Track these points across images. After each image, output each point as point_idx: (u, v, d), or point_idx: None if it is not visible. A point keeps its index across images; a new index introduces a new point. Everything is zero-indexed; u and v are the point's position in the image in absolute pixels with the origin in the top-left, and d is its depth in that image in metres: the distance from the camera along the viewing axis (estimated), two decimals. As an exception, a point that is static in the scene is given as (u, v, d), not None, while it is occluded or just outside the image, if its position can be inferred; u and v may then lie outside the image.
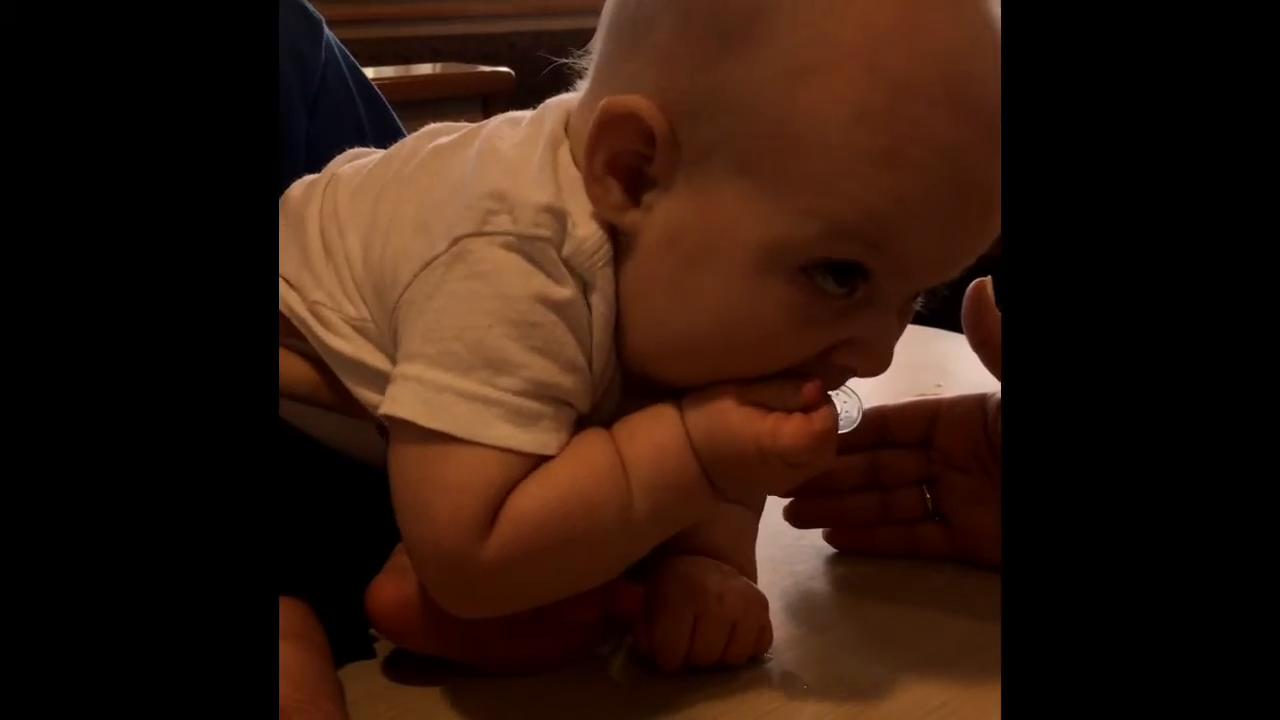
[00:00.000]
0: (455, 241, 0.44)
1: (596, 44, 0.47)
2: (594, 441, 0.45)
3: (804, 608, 0.57)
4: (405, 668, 0.51)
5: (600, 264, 0.45)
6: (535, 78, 0.54)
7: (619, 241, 0.45)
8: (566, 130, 0.47)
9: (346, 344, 0.48)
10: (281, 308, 0.50)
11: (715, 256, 0.43)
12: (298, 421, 0.51)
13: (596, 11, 0.47)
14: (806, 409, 0.44)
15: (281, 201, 0.54)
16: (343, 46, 0.87)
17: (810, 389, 0.44)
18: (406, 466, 0.45)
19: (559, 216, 0.44)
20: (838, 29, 0.40)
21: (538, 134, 0.47)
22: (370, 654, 0.52)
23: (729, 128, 0.42)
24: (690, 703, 0.49)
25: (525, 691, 0.50)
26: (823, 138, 0.40)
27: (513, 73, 2.24)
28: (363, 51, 0.89)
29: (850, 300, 0.43)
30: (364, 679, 0.50)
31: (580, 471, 0.44)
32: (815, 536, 0.62)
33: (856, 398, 0.51)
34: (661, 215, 0.44)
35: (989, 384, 0.57)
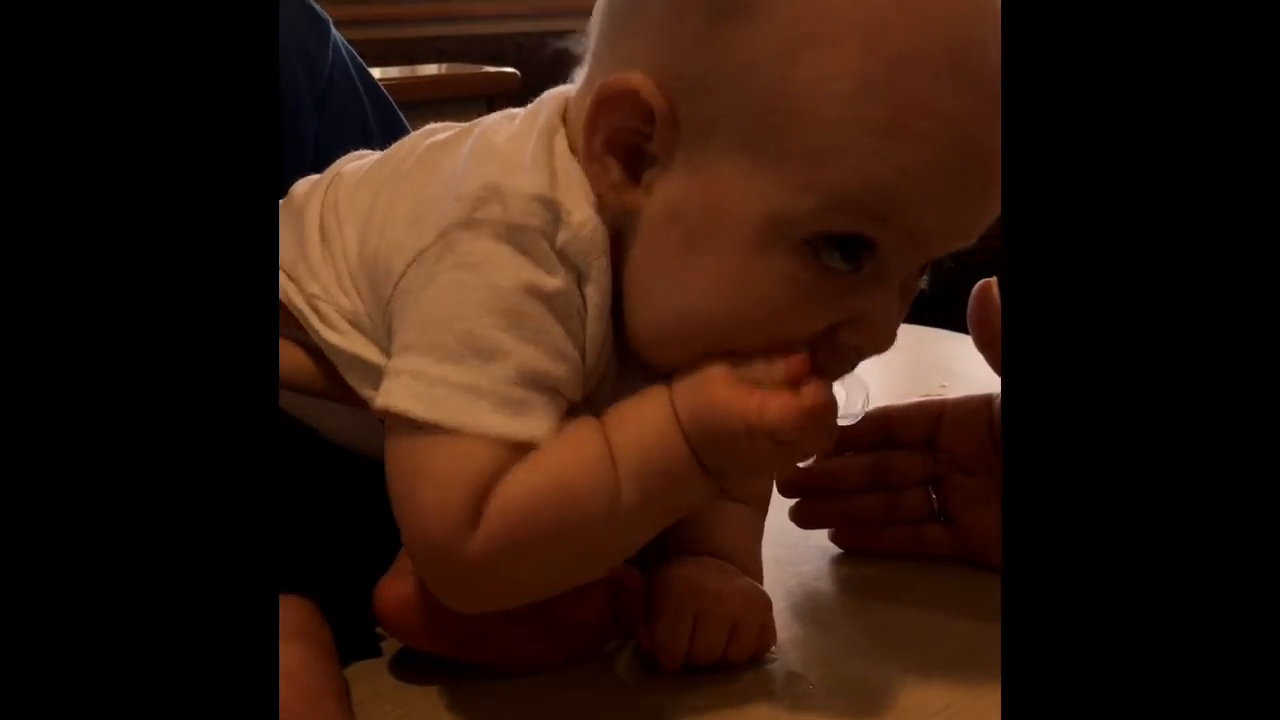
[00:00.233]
0: (445, 233, 0.44)
1: (593, 27, 0.47)
2: (582, 429, 0.45)
3: (809, 608, 0.57)
4: (412, 667, 0.51)
5: (596, 253, 0.44)
6: (540, 78, 0.54)
7: (618, 227, 0.45)
8: (564, 119, 0.47)
9: (342, 338, 0.49)
10: (281, 298, 0.50)
11: (717, 233, 0.43)
12: (302, 414, 0.52)
13: (601, 11, 0.47)
14: (794, 383, 0.43)
15: (285, 199, 0.55)
16: (350, 47, 0.87)
17: (794, 360, 0.43)
18: (400, 459, 0.45)
19: (551, 206, 0.44)
20: (835, 1, 0.40)
21: (532, 125, 0.47)
22: (377, 653, 0.52)
23: (728, 103, 0.41)
24: (694, 704, 0.49)
25: (531, 692, 0.50)
26: (822, 111, 0.40)
27: (518, 73, 2.24)
28: (368, 52, 0.90)
29: (856, 276, 0.43)
30: (370, 678, 0.50)
31: (567, 458, 0.44)
32: (820, 537, 0.62)
33: (864, 388, 0.50)
34: (661, 194, 0.44)
35: (994, 384, 0.57)
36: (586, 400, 0.47)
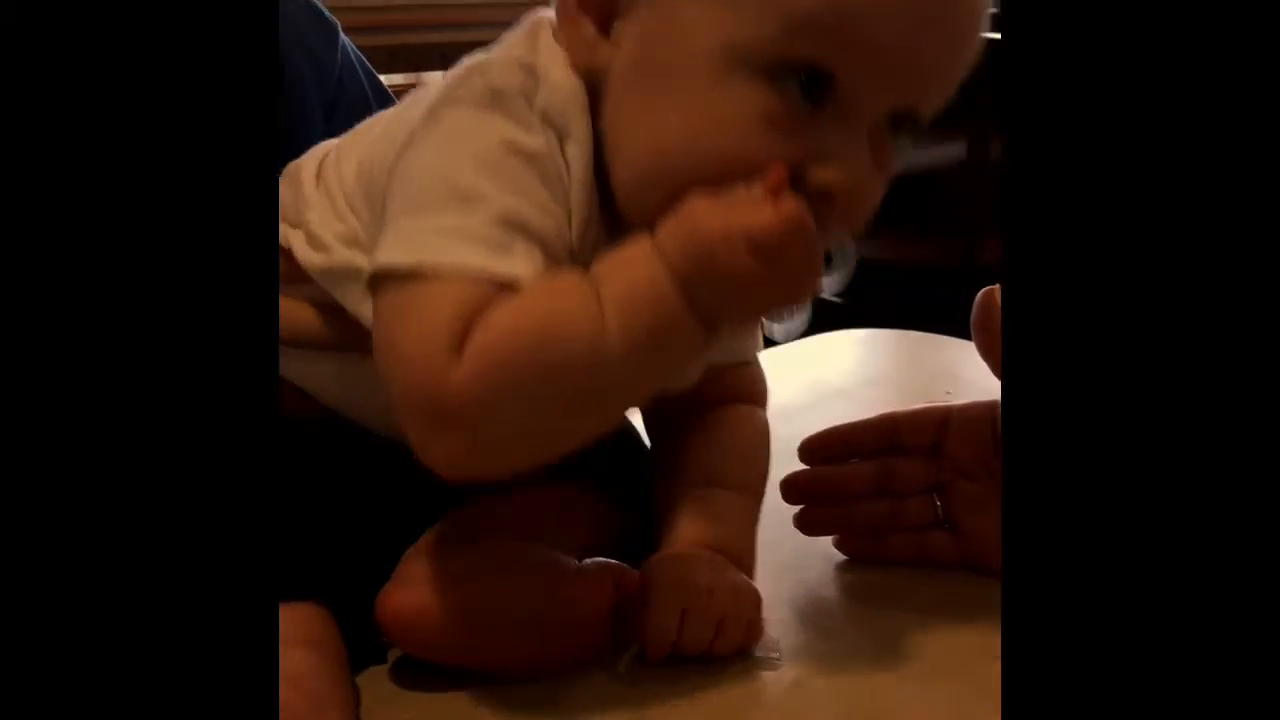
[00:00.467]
0: (432, 110, 0.47)
1: None
2: (565, 273, 0.45)
3: (812, 614, 0.57)
4: (418, 674, 0.51)
5: (575, 111, 0.46)
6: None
7: (596, 90, 0.47)
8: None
9: (330, 256, 0.50)
10: (282, 244, 0.51)
11: (681, 68, 0.44)
12: (312, 386, 0.52)
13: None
14: (773, 193, 0.43)
15: (283, 174, 0.56)
16: (358, 51, 0.88)
17: (772, 171, 0.43)
18: (384, 313, 0.45)
19: (529, 69, 0.46)
20: None
21: (517, 31, 0.50)
22: (383, 659, 0.52)
23: None
24: (695, 712, 0.49)
25: (537, 697, 0.50)
26: None
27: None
28: (373, 58, 0.90)
29: (820, 111, 0.43)
30: (377, 684, 0.50)
31: (550, 293, 0.44)
32: (825, 543, 0.62)
33: (849, 250, 0.49)
34: (629, 43, 0.46)
35: (999, 391, 0.57)
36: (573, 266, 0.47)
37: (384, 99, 0.88)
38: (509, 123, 0.45)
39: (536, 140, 0.45)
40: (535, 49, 0.48)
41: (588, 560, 0.52)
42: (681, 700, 0.50)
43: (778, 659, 0.52)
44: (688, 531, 0.55)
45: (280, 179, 0.55)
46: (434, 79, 0.50)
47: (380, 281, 0.45)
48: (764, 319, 0.47)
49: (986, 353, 0.56)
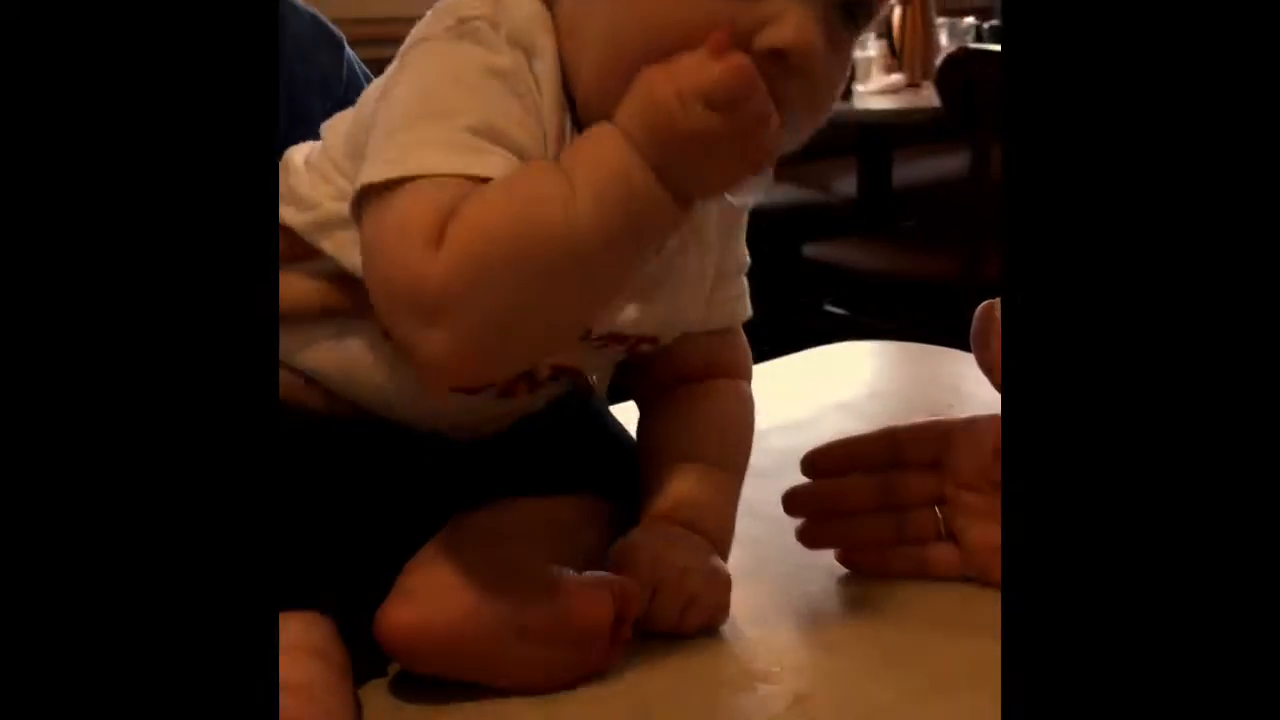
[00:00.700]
0: (404, 53, 0.49)
1: None
2: (535, 160, 0.47)
3: (815, 629, 0.57)
4: (420, 688, 0.51)
5: (539, 29, 0.48)
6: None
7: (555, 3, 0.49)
8: None
9: (325, 208, 0.51)
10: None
11: None
12: (312, 366, 0.53)
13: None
14: (717, 52, 0.44)
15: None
16: (364, 66, 0.88)
17: (715, 34, 0.44)
18: (366, 228, 0.47)
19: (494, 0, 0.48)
20: None
21: None
22: (383, 672, 0.52)
23: None
24: (702, 722, 0.49)
25: (539, 710, 0.50)
26: None
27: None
28: (379, 72, 0.91)
29: None
30: (377, 698, 0.50)
31: (518, 178, 0.45)
32: (827, 556, 0.62)
33: (802, 122, 0.50)
34: None
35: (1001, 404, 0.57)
36: None
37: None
38: (478, 48, 0.48)
39: (505, 60, 0.47)
40: None
41: (588, 573, 0.52)
42: (684, 716, 0.49)
43: (778, 673, 0.52)
44: (665, 506, 0.56)
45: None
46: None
47: (363, 203, 0.46)
48: (731, 184, 0.47)
49: (987, 369, 0.56)
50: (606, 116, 0.46)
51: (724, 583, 0.55)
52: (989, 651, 0.53)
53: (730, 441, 0.61)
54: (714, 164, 0.45)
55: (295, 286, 0.52)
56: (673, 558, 0.53)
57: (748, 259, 0.62)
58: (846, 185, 2.90)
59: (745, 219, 0.60)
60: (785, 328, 1.97)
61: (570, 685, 0.51)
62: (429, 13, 0.50)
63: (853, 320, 2.34)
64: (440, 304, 0.44)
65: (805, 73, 0.46)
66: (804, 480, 0.62)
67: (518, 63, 0.48)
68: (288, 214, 0.53)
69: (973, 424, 0.60)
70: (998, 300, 0.55)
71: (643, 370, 0.61)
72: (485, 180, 0.45)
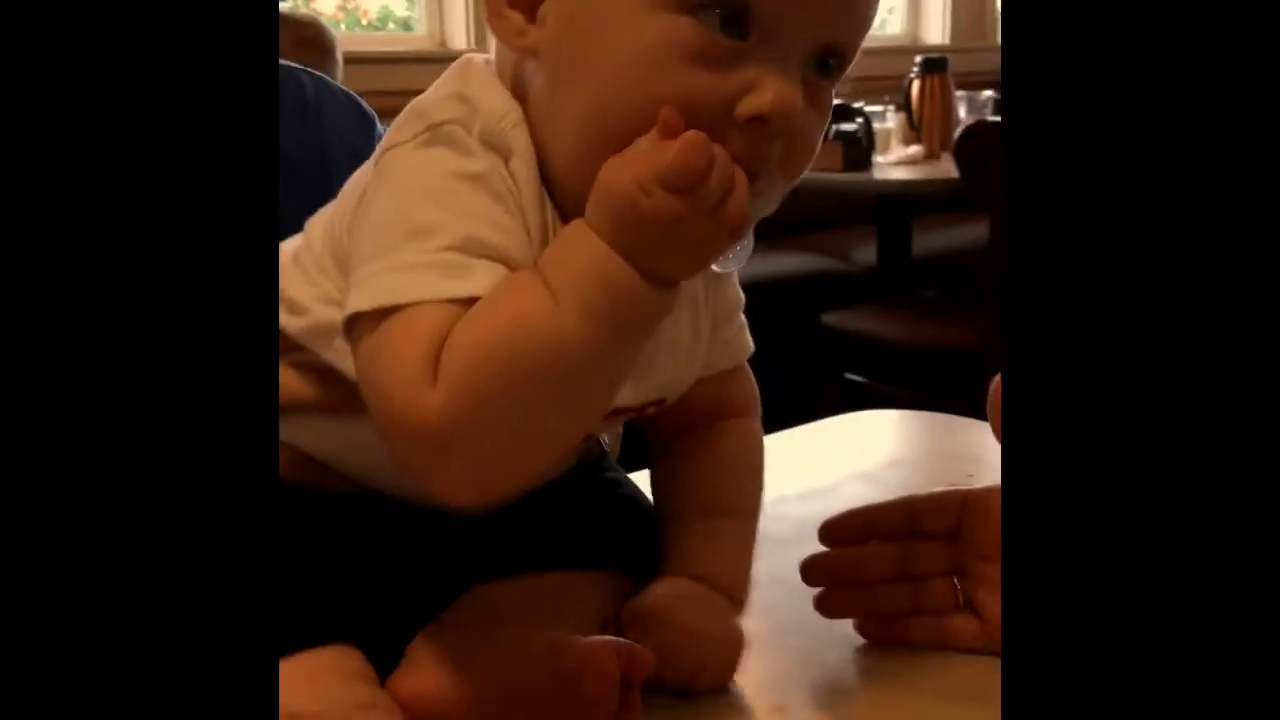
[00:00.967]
0: (377, 160, 0.49)
1: None
2: (514, 274, 0.46)
3: (833, 699, 0.57)
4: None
5: (511, 126, 0.48)
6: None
7: (525, 87, 0.49)
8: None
9: (310, 319, 0.51)
10: None
11: (604, 25, 0.46)
12: (334, 458, 0.53)
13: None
14: (669, 134, 0.43)
15: None
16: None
17: (664, 112, 0.43)
18: (361, 362, 0.46)
19: (463, 99, 0.48)
20: None
21: (448, 73, 0.51)
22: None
23: None
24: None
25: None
26: None
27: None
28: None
29: (744, 43, 0.45)
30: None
31: (500, 295, 0.45)
32: (846, 626, 0.62)
33: (779, 183, 0.49)
34: (554, 18, 0.47)
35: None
36: None
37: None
38: (451, 153, 0.47)
39: (480, 163, 0.47)
40: (468, 80, 0.49)
41: (593, 636, 0.52)
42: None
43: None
44: (680, 563, 0.56)
45: None
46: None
47: (353, 329, 0.46)
48: (710, 260, 0.46)
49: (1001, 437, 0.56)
50: (582, 195, 0.45)
51: (735, 643, 0.55)
52: (1008, 724, 0.53)
53: (743, 485, 0.61)
54: (685, 243, 0.44)
55: (287, 383, 0.52)
56: (684, 619, 0.53)
57: (742, 296, 0.61)
58: (866, 254, 2.91)
59: None
60: (805, 396, 1.98)
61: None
62: (402, 114, 0.50)
63: (872, 389, 2.34)
64: (446, 441, 0.43)
65: (787, 134, 0.47)
66: (822, 549, 0.62)
67: (493, 164, 0.47)
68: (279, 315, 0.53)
69: (991, 494, 0.60)
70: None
71: (651, 419, 0.61)
72: (474, 299, 0.44)
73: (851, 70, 0.50)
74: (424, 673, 0.49)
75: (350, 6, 3.20)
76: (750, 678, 0.56)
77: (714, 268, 0.47)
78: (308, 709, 0.45)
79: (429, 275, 0.44)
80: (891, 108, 2.83)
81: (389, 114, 0.91)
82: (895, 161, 2.62)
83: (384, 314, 0.44)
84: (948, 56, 2.73)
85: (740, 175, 0.44)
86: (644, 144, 0.44)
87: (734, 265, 0.49)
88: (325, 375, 0.52)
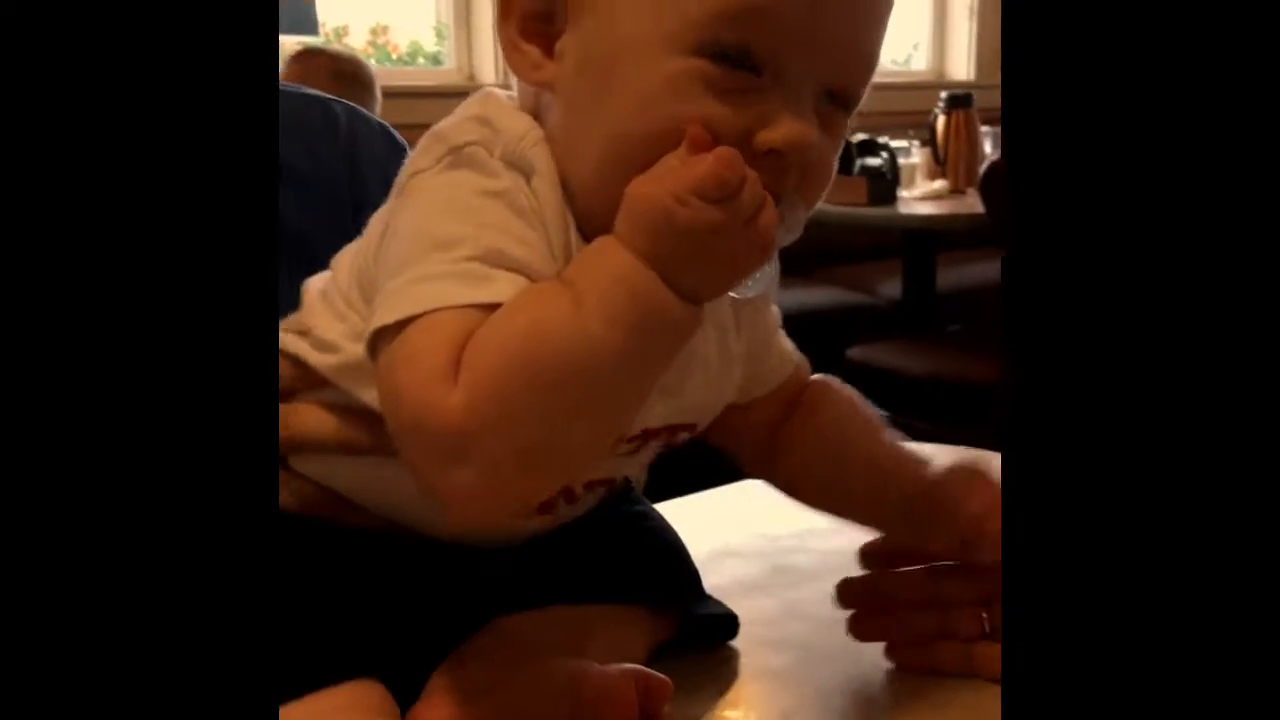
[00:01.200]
0: (402, 187, 0.49)
1: None
2: (540, 282, 0.46)
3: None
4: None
5: (532, 145, 0.48)
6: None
7: (543, 116, 0.50)
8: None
9: (340, 356, 0.51)
10: (293, 354, 0.53)
11: (621, 57, 0.47)
12: (362, 497, 0.53)
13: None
14: (698, 149, 0.45)
15: None
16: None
17: (691, 130, 0.45)
18: (381, 368, 0.46)
19: (484, 121, 0.49)
20: None
21: (467, 101, 0.52)
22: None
23: None
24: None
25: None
26: None
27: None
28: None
29: (759, 81, 0.46)
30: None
31: (526, 300, 0.44)
32: (871, 659, 0.62)
33: (798, 204, 0.50)
34: (572, 54, 0.49)
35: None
36: None
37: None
38: (473, 174, 0.47)
39: (503, 182, 0.47)
40: (487, 106, 0.50)
41: (613, 665, 0.52)
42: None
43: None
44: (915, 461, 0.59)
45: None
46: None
47: (376, 347, 0.46)
48: (740, 277, 0.47)
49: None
50: (608, 225, 0.46)
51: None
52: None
53: (866, 413, 0.64)
54: (717, 258, 0.45)
55: (313, 420, 0.52)
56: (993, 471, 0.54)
57: (779, 312, 0.62)
58: (891, 289, 2.91)
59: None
60: (829, 429, 1.97)
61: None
62: (423, 140, 0.50)
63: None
64: (462, 441, 0.42)
65: (802, 165, 0.48)
66: (849, 575, 0.62)
67: (516, 183, 0.47)
68: (305, 351, 0.53)
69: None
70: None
71: (738, 435, 0.62)
72: (495, 306, 0.44)
73: (877, 105, 0.51)
74: (444, 705, 0.49)
75: (380, 41, 3.25)
76: (775, 710, 0.56)
77: (734, 294, 0.48)
78: None
79: (450, 284, 0.45)
80: (917, 143, 2.84)
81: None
82: (920, 196, 2.63)
83: (406, 324, 0.44)
84: (973, 92, 2.74)
85: (767, 195, 0.45)
86: (673, 160, 0.45)
87: (757, 290, 0.49)
88: (355, 415, 0.52)
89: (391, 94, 2.41)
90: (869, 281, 3.03)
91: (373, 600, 0.52)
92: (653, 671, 0.52)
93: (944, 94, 2.73)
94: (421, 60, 3.27)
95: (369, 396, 0.49)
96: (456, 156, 0.48)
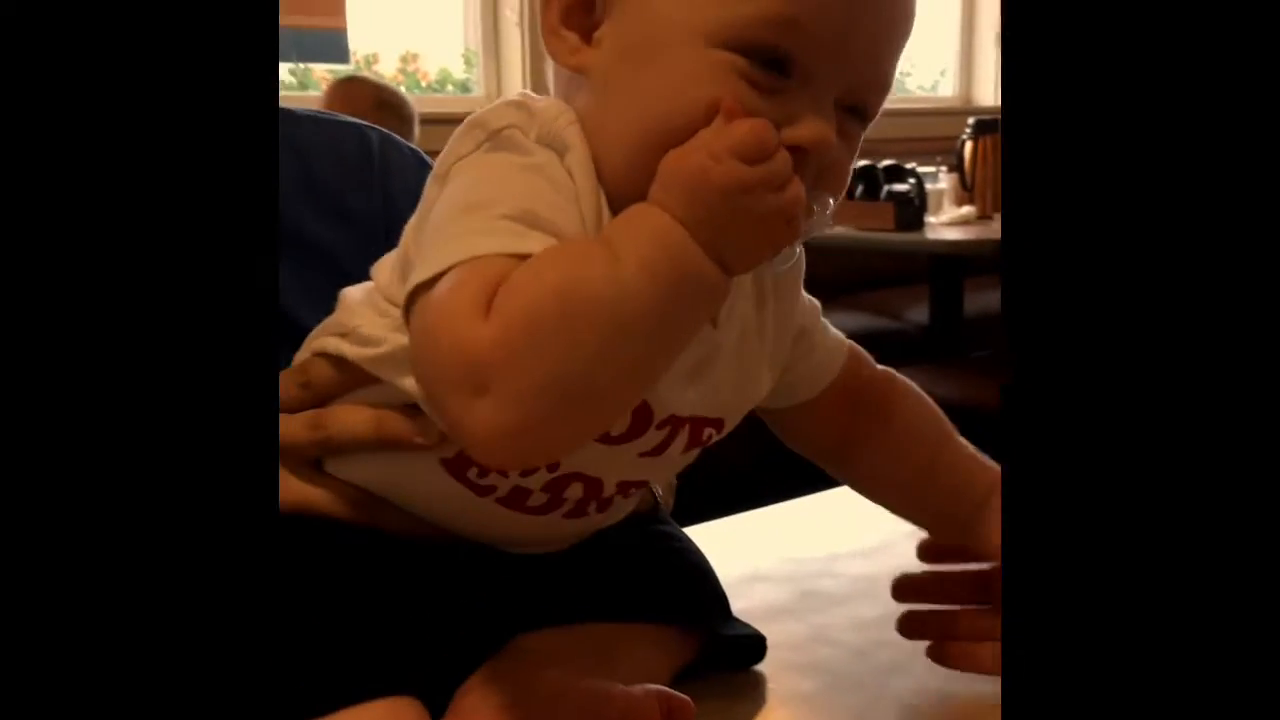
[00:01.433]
0: (439, 175, 0.51)
1: None
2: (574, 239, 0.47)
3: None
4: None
5: (566, 124, 0.50)
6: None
7: (578, 99, 0.51)
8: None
9: (390, 341, 0.52)
10: (334, 354, 0.54)
11: (658, 44, 0.49)
12: (395, 493, 0.54)
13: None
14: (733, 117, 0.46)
15: None
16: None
17: (728, 101, 0.46)
18: (416, 318, 0.46)
19: (520, 105, 0.51)
20: None
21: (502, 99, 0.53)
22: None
23: None
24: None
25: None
26: None
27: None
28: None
29: (787, 80, 0.48)
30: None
31: (564, 247, 0.46)
32: (900, 685, 0.61)
33: (823, 197, 0.50)
34: (610, 41, 0.51)
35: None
36: None
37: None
38: (510, 154, 0.49)
39: (539, 158, 0.49)
40: (524, 94, 0.52)
41: (637, 685, 0.52)
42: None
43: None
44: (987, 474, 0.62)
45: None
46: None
47: (413, 301, 0.47)
48: (769, 249, 0.48)
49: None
50: (635, 199, 0.47)
51: None
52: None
53: (930, 409, 0.66)
54: (749, 222, 0.46)
55: (350, 419, 0.53)
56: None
57: (816, 303, 0.62)
58: (918, 314, 2.90)
59: (800, 280, 0.60)
60: (856, 455, 1.96)
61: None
62: (460, 128, 0.51)
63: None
64: (488, 370, 0.43)
65: (821, 165, 0.50)
66: (876, 607, 0.62)
67: (550, 159, 0.49)
68: (345, 349, 0.54)
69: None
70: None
71: (814, 451, 0.64)
72: (529, 258, 0.45)
73: (905, 131, 0.52)
74: None
75: (410, 69, 3.28)
76: (804, 733, 0.56)
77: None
78: None
79: (486, 237, 0.46)
80: (944, 168, 2.84)
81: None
82: (948, 222, 2.62)
83: (441, 275, 0.45)
84: (1000, 118, 2.73)
85: (795, 175, 0.46)
86: (707, 130, 0.46)
87: (778, 266, 0.51)
88: (393, 411, 0.53)
89: (421, 120, 2.44)
90: (896, 307, 3.03)
91: (402, 615, 0.52)
92: (676, 693, 0.52)
93: (971, 120, 2.73)
94: (450, 87, 3.31)
95: (409, 384, 0.50)
96: (495, 140, 0.50)
